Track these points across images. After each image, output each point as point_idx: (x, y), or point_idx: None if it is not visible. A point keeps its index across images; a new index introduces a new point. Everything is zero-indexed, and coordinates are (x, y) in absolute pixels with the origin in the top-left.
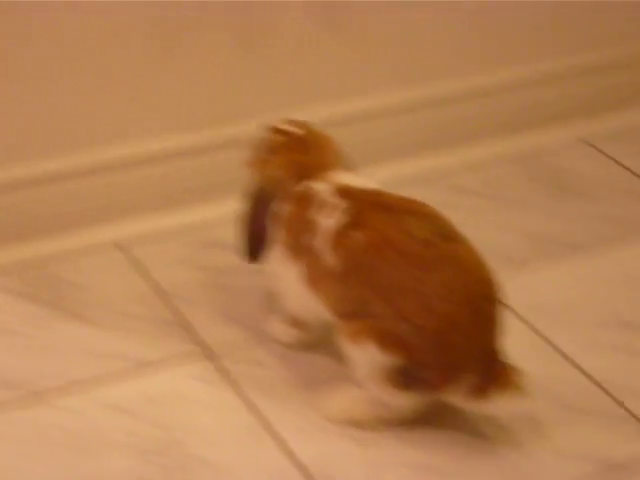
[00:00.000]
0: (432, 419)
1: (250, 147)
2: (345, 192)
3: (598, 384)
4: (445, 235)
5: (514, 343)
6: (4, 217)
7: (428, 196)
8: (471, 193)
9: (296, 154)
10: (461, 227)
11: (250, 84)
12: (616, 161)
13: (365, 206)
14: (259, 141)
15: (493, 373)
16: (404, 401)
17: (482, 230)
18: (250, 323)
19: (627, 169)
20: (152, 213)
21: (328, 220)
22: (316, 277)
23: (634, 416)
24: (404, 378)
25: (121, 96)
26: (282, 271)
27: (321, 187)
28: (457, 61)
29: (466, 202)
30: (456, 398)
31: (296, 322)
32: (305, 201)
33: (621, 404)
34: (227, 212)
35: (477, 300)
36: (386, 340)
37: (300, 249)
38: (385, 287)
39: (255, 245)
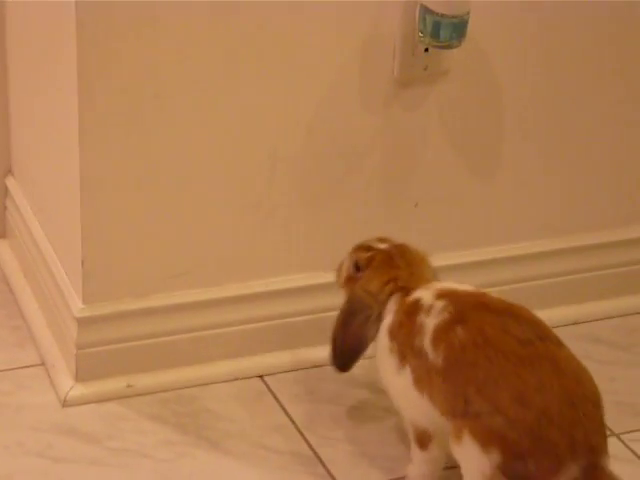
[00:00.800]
0: None
1: (339, 267)
2: (447, 294)
3: None
4: (544, 337)
5: None
6: (155, 344)
7: None
8: (605, 344)
9: (390, 268)
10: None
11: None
12: None
13: (467, 305)
14: (348, 260)
15: (595, 474)
16: None
17: (617, 383)
18: (387, 465)
19: None
20: (294, 347)
21: (432, 320)
22: (421, 377)
23: None
24: (506, 476)
25: (271, 234)
26: (396, 380)
27: (424, 293)
28: (607, 213)
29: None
30: None
31: (421, 437)
32: (410, 308)
33: None
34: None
35: (574, 397)
36: (484, 435)
37: (408, 354)
38: (482, 382)
39: (348, 358)
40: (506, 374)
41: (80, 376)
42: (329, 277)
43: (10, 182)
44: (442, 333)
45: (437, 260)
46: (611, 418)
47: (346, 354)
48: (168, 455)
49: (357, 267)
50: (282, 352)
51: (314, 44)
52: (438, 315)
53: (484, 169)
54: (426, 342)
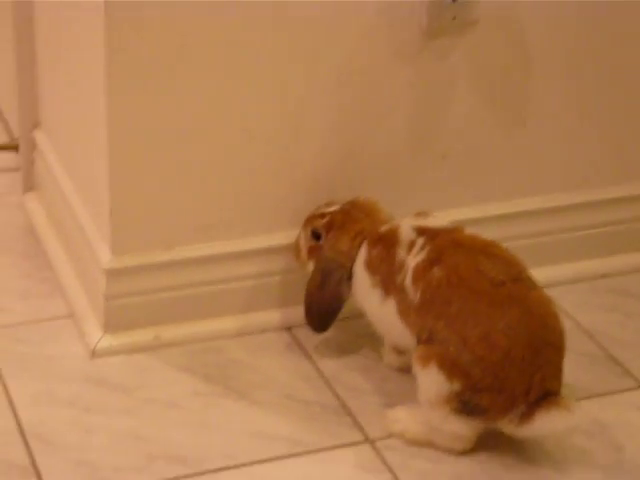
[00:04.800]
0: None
1: (295, 246)
2: (425, 230)
3: None
4: (517, 278)
5: None
6: (182, 295)
7: (587, 297)
8: (634, 297)
9: (353, 224)
10: (619, 330)
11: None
12: None
13: (444, 243)
14: (303, 234)
15: (542, 402)
16: (459, 428)
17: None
18: None
19: None
20: None
21: (413, 259)
22: (402, 310)
23: None
24: (462, 404)
25: (298, 186)
26: (381, 310)
27: (402, 226)
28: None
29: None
30: (508, 428)
31: (398, 348)
32: (388, 240)
33: None
34: None
35: (538, 341)
36: (448, 366)
37: (391, 288)
38: (453, 318)
39: (326, 319)
40: (477, 313)
41: (109, 327)
42: None
43: (38, 135)
44: (421, 273)
45: (465, 213)
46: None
47: (324, 315)
48: (196, 405)
49: (317, 235)
50: None
51: None
52: (418, 254)
53: (513, 120)
54: (407, 281)
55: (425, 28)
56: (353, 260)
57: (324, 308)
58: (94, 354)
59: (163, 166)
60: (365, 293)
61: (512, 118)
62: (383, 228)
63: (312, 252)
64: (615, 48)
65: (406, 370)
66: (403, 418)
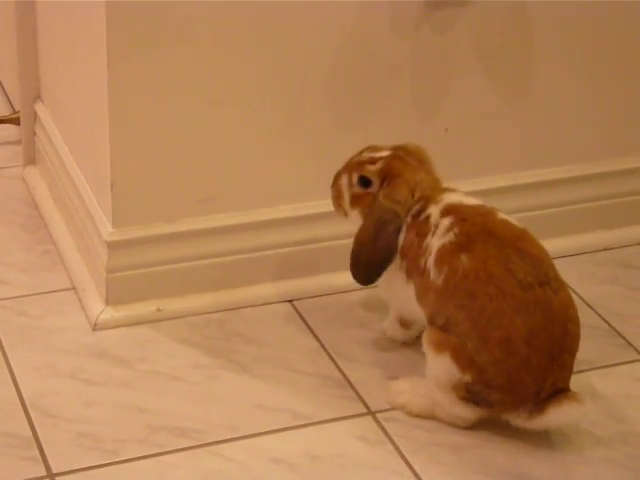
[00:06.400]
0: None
1: (336, 194)
2: (454, 210)
3: None
4: (544, 281)
5: None
6: (184, 268)
7: (590, 270)
8: (637, 269)
9: (412, 172)
10: (621, 303)
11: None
12: None
13: (474, 229)
14: (345, 180)
15: (552, 398)
16: (464, 412)
17: None
18: None
19: None
20: (323, 272)
21: (437, 241)
22: (420, 293)
23: None
24: (470, 394)
25: (299, 159)
26: (403, 291)
27: (434, 209)
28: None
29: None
30: (516, 422)
31: (404, 322)
32: (421, 229)
33: None
34: None
35: (555, 349)
36: (463, 359)
37: (414, 272)
38: (476, 314)
39: (376, 270)
40: (501, 315)
41: (110, 300)
42: None
43: (39, 108)
44: (446, 256)
45: (467, 185)
46: None
47: (373, 267)
48: (198, 378)
49: (365, 182)
50: (311, 277)
51: None
52: (443, 236)
53: (515, 93)
54: (430, 262)
55: (426, 1)
56: (409, 211)
57: (376, 260)
58: (95, 327)
59: (164, 138)
60: (394, 271)
61: (514, 90)
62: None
63: (357, 200)
64: (619, 17)
65: (409, 343)
66: (406, 390)
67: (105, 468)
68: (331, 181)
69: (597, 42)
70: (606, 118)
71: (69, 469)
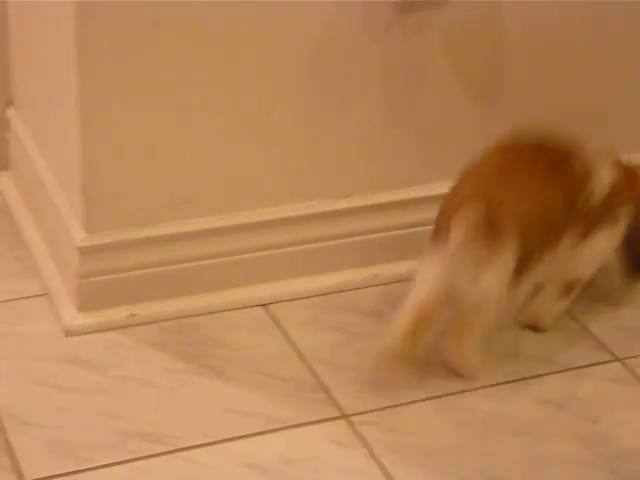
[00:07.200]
0: None
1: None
2: None
3: None
4: None
5: None
6: (157, 273)
7: None
8: None
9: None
10: None
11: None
12: None
13: None
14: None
15: None
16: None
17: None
18: (391, 392)
19: None
20: (298, 276)
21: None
22: None
23: None
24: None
25: (273, 162)
26: None
27: None
28: None
29: None
30: None
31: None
32: None
33: None
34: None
35: None
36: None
37: None
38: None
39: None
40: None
41: (83, 306)
42: (332, 205)
43: (11, 113)
44: None
45: (441, 188)
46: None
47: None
48: (171, 383)
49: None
50: (285, 280)
51: None
52: None
53: (486, 96)
54: None
55: (398, 1)
56: None
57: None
58: (68, 332)
59: (137, 143)
60: None
61: (486, 94)
62: None
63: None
64: (594, 24)
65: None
66: (470, 358)
67: (78, 475)
68: (326, 183)
69: (572, 47)
70: (580, 119)
71: (42, 476)
